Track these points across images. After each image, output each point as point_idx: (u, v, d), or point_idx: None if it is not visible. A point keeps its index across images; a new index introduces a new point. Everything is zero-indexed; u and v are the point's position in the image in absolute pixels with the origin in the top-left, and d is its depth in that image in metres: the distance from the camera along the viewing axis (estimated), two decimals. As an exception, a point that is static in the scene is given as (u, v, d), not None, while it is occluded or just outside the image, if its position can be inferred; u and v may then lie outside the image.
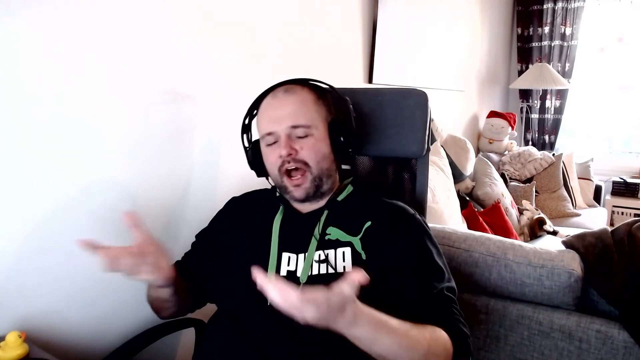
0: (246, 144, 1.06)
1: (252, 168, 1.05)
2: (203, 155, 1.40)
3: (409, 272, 0.90)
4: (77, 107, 1.05)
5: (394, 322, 0.77)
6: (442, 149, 2.60)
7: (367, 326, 0.73)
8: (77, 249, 1.08)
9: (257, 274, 0.66)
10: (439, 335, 0.82)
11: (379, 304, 0.87)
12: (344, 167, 1.02)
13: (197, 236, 1.11)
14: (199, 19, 1.33)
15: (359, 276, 0.68)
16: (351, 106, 1.04)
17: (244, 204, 1.09)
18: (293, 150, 0.93)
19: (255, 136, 1.05)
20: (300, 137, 0.94)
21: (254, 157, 1.03)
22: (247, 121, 1.06)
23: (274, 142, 0.96)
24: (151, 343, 1.15)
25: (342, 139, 0.98)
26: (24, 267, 1.00)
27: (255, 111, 1.04)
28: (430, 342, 0.80)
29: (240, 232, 1.03)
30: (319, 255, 0.93)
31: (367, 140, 1.19)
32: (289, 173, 0.95)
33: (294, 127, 0.94)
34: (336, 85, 1.06)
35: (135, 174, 1.20)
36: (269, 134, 0.96)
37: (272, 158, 0.97)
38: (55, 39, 1.00)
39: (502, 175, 3.27)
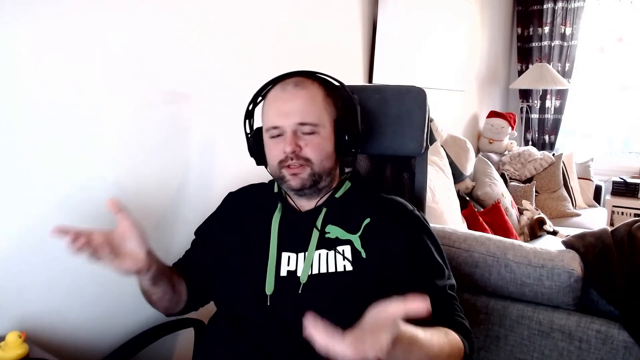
0: (248, 130, 1.05)
1: (252, 155, 1.04)
2: (199, 153, 1.40)
3: (408, 270, 0.90)
4: (74, 106, 1.05)
5: (435, 344, 0.73)
6: (442, 149, 2.60)
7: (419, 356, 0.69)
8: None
9: (309, 325, 0.59)
10: (453, 338, 0.82)
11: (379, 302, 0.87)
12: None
13: (196, 233, 1.10)
14: (198, 18, 1.33)
15: (417, 305, 0.59)
16: (359, 105, 1.02)
17: (242, 200, 1.08)
18: (297, 148, 0.92)
19: (257, 122, 1.03)
20: (305, 134, 0.93)
21: (255, 144, 1.01)
22: (250, 107, 1.04)
23: (278, 135, 0.94)
24: (151, 343, 1.15)
25: (347, 137, 0.97)
26: (24, 267, 1.00)
27: (260, 98, 1.02)
28: (452, 346, 0.80)
29: (238, 231, 1.01)
30: (319, 254, 0.93)
31: (367, 139, 1.19)
32: (288, 165, 0.94)
33: (302, 124, 0.92)
34: (336, 85, 1.05)
35: (133, 173, 1.20)
36: (275, 127, 0.94)
37: (275, 151, 0.95)
38: (53, 40, 0.99)
39: (502, 175, 3.26)
